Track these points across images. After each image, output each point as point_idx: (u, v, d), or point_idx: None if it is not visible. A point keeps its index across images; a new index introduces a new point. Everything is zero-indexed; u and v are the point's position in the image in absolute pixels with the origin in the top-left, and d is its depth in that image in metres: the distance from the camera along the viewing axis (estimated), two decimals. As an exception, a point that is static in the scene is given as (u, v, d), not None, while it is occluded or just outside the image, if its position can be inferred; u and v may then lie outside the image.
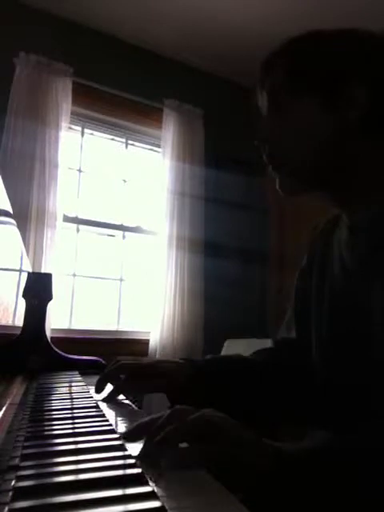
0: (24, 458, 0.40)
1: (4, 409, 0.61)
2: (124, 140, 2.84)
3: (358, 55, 0.62)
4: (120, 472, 0.36)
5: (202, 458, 0.40)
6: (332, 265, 0.69)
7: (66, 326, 2.44)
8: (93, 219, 2.65)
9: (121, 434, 0.47)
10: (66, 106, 2.41)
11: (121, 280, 2.69)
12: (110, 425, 0.52)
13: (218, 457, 0.41)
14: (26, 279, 1.05)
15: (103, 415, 0.58)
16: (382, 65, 0.62)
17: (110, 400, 0.68)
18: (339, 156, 0.63)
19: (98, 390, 0.71)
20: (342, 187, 0.65)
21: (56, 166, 2.32)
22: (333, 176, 0.64)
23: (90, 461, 0.39)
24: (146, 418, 0.48)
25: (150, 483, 0.34)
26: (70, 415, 0.57)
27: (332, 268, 0.69)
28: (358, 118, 0.60)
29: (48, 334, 1.33)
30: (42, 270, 2.13)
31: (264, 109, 0.70)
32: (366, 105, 0.60)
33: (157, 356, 2.42)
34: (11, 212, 0.87)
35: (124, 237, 2.75)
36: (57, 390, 0.80)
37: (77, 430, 0.49)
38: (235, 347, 2.23)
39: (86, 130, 2.71)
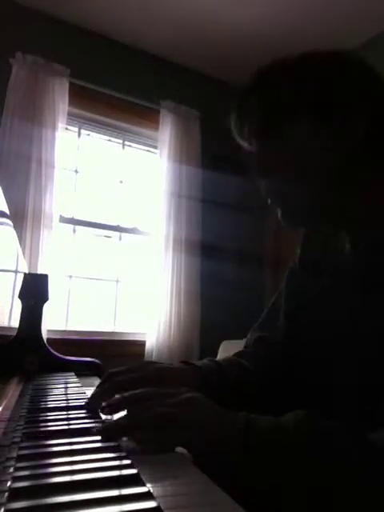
0: (20, 458, 0.39)
1: (0, 409, 0.60)
2: (121, 141, 2.84)
3: (350, 78, 0.59)
4: (116, 472, 0.36)
5: (157, 445, 0.43)
6: (334, 278, 0.68)
7: (62, 328, 2.43)
8: (89, 220, 2.65)
9: (87, 400, 0.53)
10: (63, 106, 2.41)
11: (117, 281, 2.69)
12: (106, 426, 0.52)
13: (172, 441, 0.43)
14: (22, 280, 1.05)
15: (99, 416, 0.58)
16: (378, 85, 0.60)
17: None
18: (341, 185, 0.60)
19: (92, 411, 0.58)
20: (344, 213, 0.63)
21: (52, 167, 2.32)
22: (335, 205, 0.62)
23: (86, 461, 0.39)
24: (120, 396, 0.51)
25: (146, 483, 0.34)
26: (65, 416, 0.57)
27: (336, 283, 0.67)
28: (357, 142, 0.58)
29: (44, 335, 1.33)
30: (38, 271, 2.13)
31: (252, 148, 0.66)
32: (364, 129, 0.58)
33: (153, 357, 2.42)
34: (7, 212, 0.87)
35: (120, 238, 2.75)
36: (53, 391, 0.80)
37: (73, 431, 0.49)
38: (231, 349, 2.23)
39: (82, 131, 2.71)
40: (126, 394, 0.51)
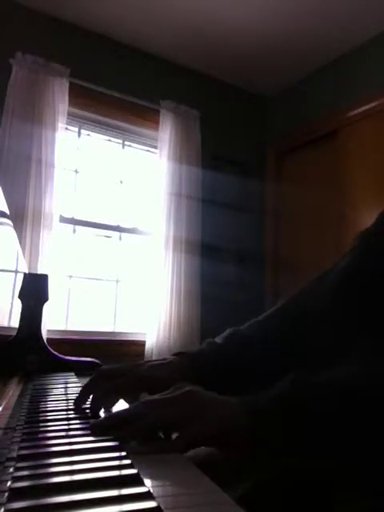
0: (20, 458, 0.39)
1: (0, 409, 0.60)
2: (121, 141, 2.84)
3: None
4: (116, 472, 0.36)
5: (172, 449, 0.42)
6: None
7: (62, 328, 2.43)
8: (89, 220, 2.65)
9: (90, 423, 0.49)
10: (63, 106, 2.41)
11: (117, 281, 2.69)
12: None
13: (189, 443, 0.43)
14: (22, 280, 1.05)
15: (99, 416, 0.58)
16: None
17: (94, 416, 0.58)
18: None
19: (78, 406, 0.61)
20: None
21: (52, 167, 2.32)
22: None
23: (86, 461, 0.39)
24: (117, 412, 0.50)
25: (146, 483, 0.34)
26: (65, 416, 0.57)
27: None
28: None
29: (44, 335, 1.33)
30: (38, 271, 2.13)
31: None
32: None
33: (153, 357, 2.42)
34: (8, 213, 0.87)
35: (120, 238, 2.75)
36: (53, 391, 0.80)
37: (73, 431, 0.49)
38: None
39: (82, 131, 2.71)
40: (119, 413, 0.50)
